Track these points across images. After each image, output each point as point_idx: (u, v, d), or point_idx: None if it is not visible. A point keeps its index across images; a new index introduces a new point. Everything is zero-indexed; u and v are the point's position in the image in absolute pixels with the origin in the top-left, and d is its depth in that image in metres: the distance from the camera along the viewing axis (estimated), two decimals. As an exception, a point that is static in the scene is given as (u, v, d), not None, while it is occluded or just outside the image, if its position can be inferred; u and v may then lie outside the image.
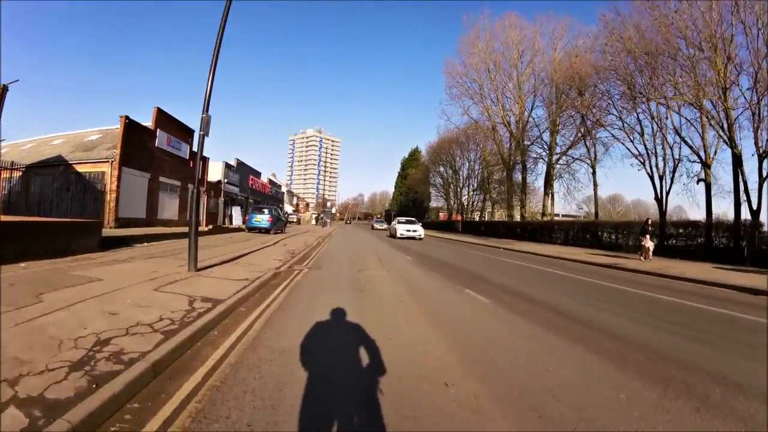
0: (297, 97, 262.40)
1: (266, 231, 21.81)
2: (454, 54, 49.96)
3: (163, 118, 20.96)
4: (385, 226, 46.61)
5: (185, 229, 19.37)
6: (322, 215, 59.20)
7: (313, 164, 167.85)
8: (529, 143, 35.70)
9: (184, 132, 23.32)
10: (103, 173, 17.83)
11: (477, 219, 50.55)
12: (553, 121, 32.76)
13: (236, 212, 31.58)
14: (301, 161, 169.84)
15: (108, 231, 16.12)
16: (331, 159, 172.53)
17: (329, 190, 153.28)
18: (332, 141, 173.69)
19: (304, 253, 12.41)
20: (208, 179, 27.88)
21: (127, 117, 18.10)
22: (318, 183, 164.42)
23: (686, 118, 20.08)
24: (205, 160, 27.08)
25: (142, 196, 19.63)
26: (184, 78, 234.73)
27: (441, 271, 9.95)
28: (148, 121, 20.31)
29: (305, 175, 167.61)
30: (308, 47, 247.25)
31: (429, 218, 68.48)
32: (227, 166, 31.22)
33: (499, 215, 48.01)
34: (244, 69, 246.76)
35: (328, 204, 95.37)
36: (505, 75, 36.08)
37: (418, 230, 25.28)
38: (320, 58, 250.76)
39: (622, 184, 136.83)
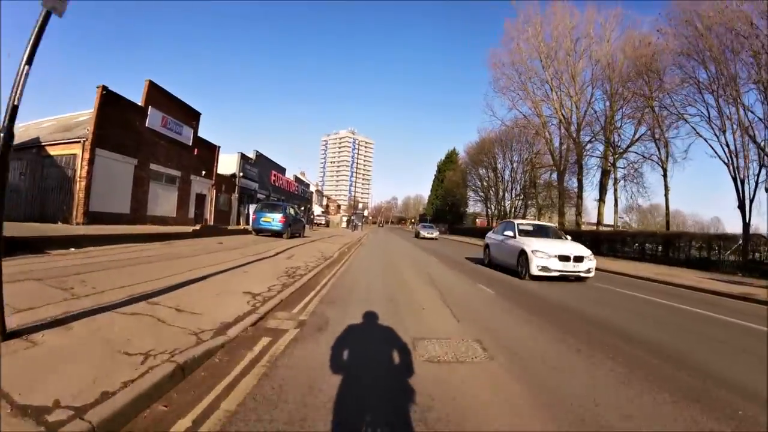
0: (330, 98, 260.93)
1: (278, 234, 17.27)
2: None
3: (157, 94, 17.22)
4: (436, 234, 34.19)
5: (174, 229, 14.79)
6: (352, 218, 54.98)
7: (346, 166, 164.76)
8: (588, 139, 30.62)
9: (186, 113, 19.53)
10: (74, 156, 14.17)
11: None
12: (611, 116, 28.13)
13: (253, 211, 27.57)
14: (334, 162, 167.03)
15: (69, 228, 12.31)
16: (364, 161, 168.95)
17: (362, 193, 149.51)
18: (365, 142, 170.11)
19: (310, 277, 7.78)
20: (220, 172, 24.05)
21: (104, 87, 14.38)
22: (350, 185, 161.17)
23: (756, 114, 17.70)
24: (214, 148, 23.27)
25: (126, 186, 15.85)
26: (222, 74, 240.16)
27: (580, 337, 4.78)
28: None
29: (337, 176, 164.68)
30: (342, 47, 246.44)
31: (466, 224, 65.52)
32: (243, 158, 27.23)
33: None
34: (276, 69, 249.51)
35: (360, 206, 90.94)
36: (559, 64, 31.29)
37: (585, 258, 9.53)
38: (356, 59, 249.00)
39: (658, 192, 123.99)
